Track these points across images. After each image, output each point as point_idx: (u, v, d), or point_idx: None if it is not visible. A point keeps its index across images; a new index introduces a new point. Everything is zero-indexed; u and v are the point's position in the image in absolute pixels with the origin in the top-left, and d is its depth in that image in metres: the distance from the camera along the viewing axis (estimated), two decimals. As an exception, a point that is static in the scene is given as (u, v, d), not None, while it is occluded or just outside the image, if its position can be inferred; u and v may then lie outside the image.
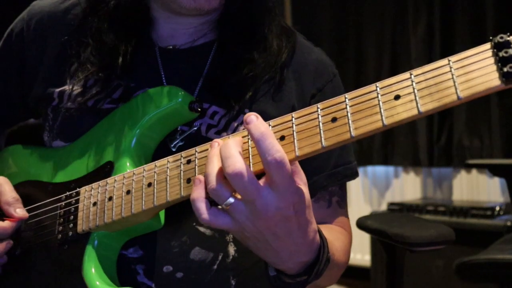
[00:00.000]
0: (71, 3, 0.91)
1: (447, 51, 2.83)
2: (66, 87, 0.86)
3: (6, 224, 0.78)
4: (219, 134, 0.81)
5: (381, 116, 0.52)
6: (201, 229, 0.78)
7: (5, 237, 0.78)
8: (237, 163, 0.55)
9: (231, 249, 0.80)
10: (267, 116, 0.82)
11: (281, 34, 0.88)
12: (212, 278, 0.78)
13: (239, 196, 0.57)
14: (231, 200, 0.56)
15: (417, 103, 0.50)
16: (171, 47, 0.86)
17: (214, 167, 0.57)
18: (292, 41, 0.89)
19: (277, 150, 0.54)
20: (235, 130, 0.81)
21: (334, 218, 0.89)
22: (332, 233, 0.81)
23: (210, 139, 0.79)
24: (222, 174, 0.57)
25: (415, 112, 0.50)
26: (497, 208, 2.43)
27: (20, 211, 0.79)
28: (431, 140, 2.89)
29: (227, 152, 0.56)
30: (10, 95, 0.94)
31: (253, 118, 0.56)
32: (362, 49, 3.15)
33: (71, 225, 0.76)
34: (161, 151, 0.79)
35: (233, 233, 0.62)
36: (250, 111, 0.81)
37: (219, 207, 0.58)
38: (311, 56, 0.91)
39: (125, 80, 0.83)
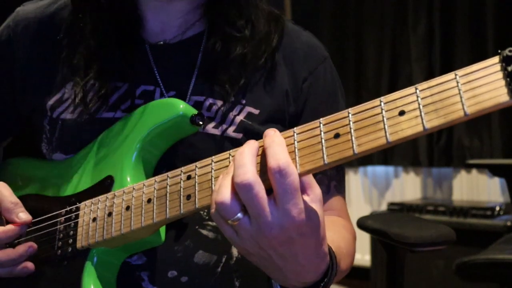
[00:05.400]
0: (56, 7, 0.89)
1: (447, 51, 2.82)
2: (59, 96, 0.84)
3: (9, 228, 0.75)
4: (217, 128, 0.80)
5: (385, 132, 0.50)
6: (204, 232, 0.78)
7: (8, 241, 0.76)
8: (247, 173, 0.52)
9: (235, 251, 0.79)
10: (262, 104, 0.82)
11: (268, 19, 0.87)
12: (216, 280, 0.77)
13: (247, 213, 0.54)
14: (240, 215, 0.54)
15: (422, 120, 0.48)
16: (161, 42, 0.85)
17: (227, 179, 0.55)
18: (281, 26, 0.88)
19: (283, 158, 0.52)
20: (232, 122, 0.80)
21: (332, 204, 0.87)
22: (337, 231, 0.79)
23: (207, 134, 0.79)
24: (233, 188, 0.54)
25: (420, 128, 0.49)
26: (497, 208, 2.42)
27: (22, 215, 0.76)
28: (431, 140, 2.89)
29: (241, 161, 0.54)
30: (2, 104, 0.92)
31: (270, 132, 0.56)
32: (362, 49, 3.14)
33: (71, 240, 0.75)
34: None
35: (237, 248, 0.61)
36: (246, 100, 0.82)
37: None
38: (301, 39, 0.90)
39: (119, 82, 0.82)
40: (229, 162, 0.60)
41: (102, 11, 0.83)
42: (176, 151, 0.78)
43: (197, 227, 0.77)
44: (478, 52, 2.69)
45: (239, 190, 0.53)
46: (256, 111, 0.82)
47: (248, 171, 0.53)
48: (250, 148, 0.55)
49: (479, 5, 2.71)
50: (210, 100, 0.81)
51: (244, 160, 0.54)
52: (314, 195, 0.56)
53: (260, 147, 0.56)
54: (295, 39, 0.89)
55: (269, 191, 0.54)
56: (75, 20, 0.85)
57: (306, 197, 0.55)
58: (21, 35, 0.88)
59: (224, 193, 0.54)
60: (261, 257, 0.57)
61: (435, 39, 2.85)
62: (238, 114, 0.81)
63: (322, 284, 0.60)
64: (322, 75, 0.88)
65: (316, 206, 0.56)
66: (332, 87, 0.90)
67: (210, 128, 0.79)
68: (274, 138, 0.54)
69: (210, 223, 0.78)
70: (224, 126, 0.80)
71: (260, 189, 0.52)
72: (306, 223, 0.54)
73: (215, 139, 0.79)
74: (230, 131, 0.80)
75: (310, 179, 0.56)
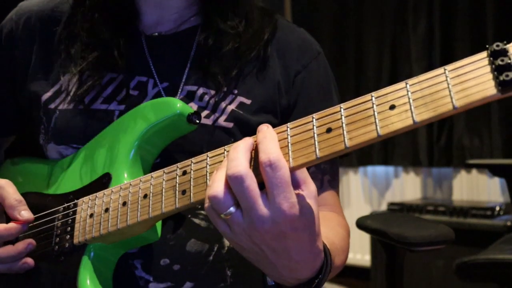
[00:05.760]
0: (58, 1, 0.91)
1: (447, 51, 2.82)
2: (57, 88, 0.86)
3: (11, 225, 0.76)
4: (208, 117, 0.81)
5: (376, 126, 0.51)
6: (196, 221, 0.79)
7: (10, 239, 0.77)
8: (239, 166, 0.53)
9: (226, 240, 0.79)
10: (254, 94, 0.84)
11: (262, 14, 0.89)
12: (208, 269, 0.78)
13: (239, 207, 0.55)
14: (232, 209, 0.54)
15: (412, 113, 0.49)
16: (156, 34, 0.87)
17: (220, 174, 0.55)
18: (274, 21, 0.90)
19: (274, 152, 0.53)
20: (223, 111, 0.81)
21: (326, 199, 0.87)
22: (331, 227, 0.79)
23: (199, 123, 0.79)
24: (226, 181, 0.54)
25: (410, 122, 0.49)
26: (497, 208, 2.42)
27: (25, 213, 0.77)
28: (431, 140, 2.89)
29: (234, 155, 0.54)
30: (3, 99, 0.93)
31: (263, 127, 0.56)
32: (362, 49, 3.14)
33: (68, 236, 0.76)
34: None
35: (231, 244, 0.61)
36: (238, 91, 0.83)
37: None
38: (294, 34, 0.91)
39: (115, 73, 0.84)
40: (224, 157, 0.61)
41: (100, 4, 0.85)
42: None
43: (189, 216, 0.79)
44: (478, 52, 2.68)
45: (231, 182, 0.53)
46: (248, 101, 0.83)
47: (240, 164, 0.53)
48: (244, 143, 0.56)
49: (479, 5, 2.71)
50: (203, 90, 0.82)
51: (238, 154, 0.54)
52: (308, 191, 0.56)
53: (254, 142, 0.57)
54: (289, 33, 0.91)
55: (263, 186, 0.54)
56: (75, 13, 0.87)
57: (300, 193, 0.55)
58: (23, 27, 0.90)
59: (217, 187, 0.54)
60: (255, 252, 0.57)
61: (435, 39, 2.85)
62: (229, 104, 0.82)
63: (316, 281, 0.60)
64: (315, 70, 0.89)
65: (310, 202, 0.56)
66: (326, 82, 0.91)
67: (202, 117, 0.80)
68: (266, 133, 0.55)
69: (202, 212, 0.79)
70: (215, 116, 0.81)
71: (251, 182, 0.53)
72: (298, 218, 0.54)
73: (207, 128, 0.80)
74: (221, 121, 0.81)
75: (304, 175, 0.56)
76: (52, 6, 0.91)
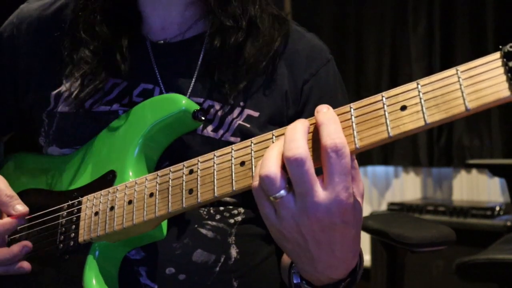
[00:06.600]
0: (59, 5, 0.90)
1: (447, 51, 2.83)
2: (62, 88, 0.85)
3: (5, 220, 0.75)
4: (215, 131, 0.79)
5: (387, 127, 0.50)
6: (203, 231, 0.78)
7: (7, 233, 0.76)
8: (300, 148, 0.50)
9: (233, 251, 0.79)
10: (262, 106, 0.82)
11: (273, 22, 0.87)
12: (214, 280, 0.77)
13: (291, 191, 0.52)
14: (283, 192, 0.51)
15: (423, 114, 0.49)
16: (162, 41, 0.85)
17: (274, 153, 0.52)
18: (285, 29, 0.88)
19: (340, 137, 0.50)
20: (230, 125, 0.80)
21: None
22: None
23: (206, 137, 0.79)
24: (280, 162, 0.52)
25: (421, 123, 0.49)
26: (497, 208, 2.43)
27: (19, 207, 0.76)
28: (431, 140, 2.89)
29: (293, 135, 0.52)
30: (4, 101, 0.93)
31: (323, 108, 0.53)
32: (362, 49, 3.14)
33: (73, 234, 0.75)
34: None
35: (271, 230, 0.57)
36: (245, 104, 0.81)
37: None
38: (303, 41, 0.89)
39: (119, 78, 0.83)
40: (231, 157, 0.60)
41: (103, 7, 0.84)
42: (174, 153, 0.78)
43: (196, 226, 0.77)
44: (478, 52, 2.68)
45: (290, 164, 0.50)
46: (255, 114, 0.81)
47: (301, 146, 0.51)
48: (302, 124, 0.54)
49: (479, 5, 2.72)
50: (209, 102, 0.81)
51: (297, 135, 0.52)
52: (358, 190, 0.55)
53: (311, 125, 0.55)
54: (298, 41, 0.89)
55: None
56: (77, 17, 0.86)
57: (353, 188, 0.53)
58: (25, 31, 0.89)
59: (271, 167, 0.51)
60: (296, 242, 0.54)
61: (435, 39, 2.85)
62: (237, 117, 0.80)
63: (348, 280, 0.60)
64: (324, 77, 0.88)
65: (360, 200, 0.54)
66: (334, 90, 0.89)
67: (209, 131, 0.79)
68: (328, 115, 0.52)
69: (209, 222, 0.78)
70: (222, 131, 0.80)
71: (311, 165, 0.50)
72: (351, 210, 0.52)
73: (213, 142, 0.79)
74: (228, 135, 0.80)
75: (355, 174, 0.54)
76: (53, 10, 0.90)
